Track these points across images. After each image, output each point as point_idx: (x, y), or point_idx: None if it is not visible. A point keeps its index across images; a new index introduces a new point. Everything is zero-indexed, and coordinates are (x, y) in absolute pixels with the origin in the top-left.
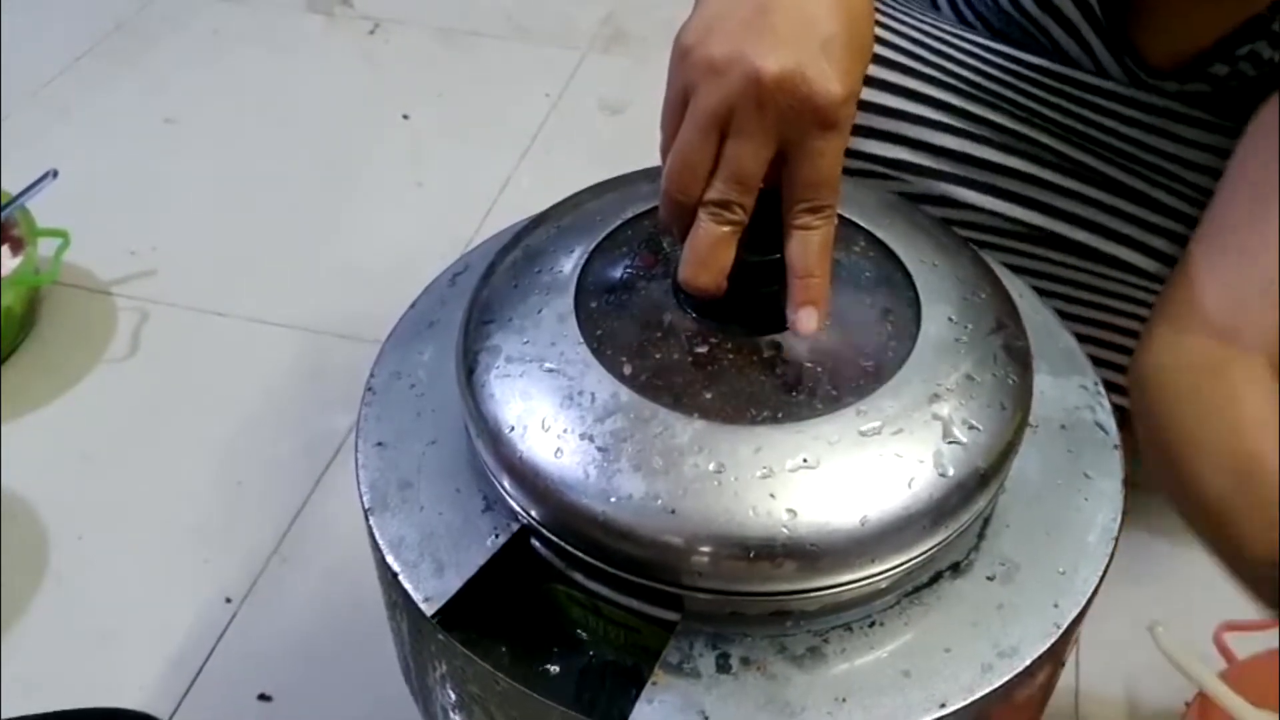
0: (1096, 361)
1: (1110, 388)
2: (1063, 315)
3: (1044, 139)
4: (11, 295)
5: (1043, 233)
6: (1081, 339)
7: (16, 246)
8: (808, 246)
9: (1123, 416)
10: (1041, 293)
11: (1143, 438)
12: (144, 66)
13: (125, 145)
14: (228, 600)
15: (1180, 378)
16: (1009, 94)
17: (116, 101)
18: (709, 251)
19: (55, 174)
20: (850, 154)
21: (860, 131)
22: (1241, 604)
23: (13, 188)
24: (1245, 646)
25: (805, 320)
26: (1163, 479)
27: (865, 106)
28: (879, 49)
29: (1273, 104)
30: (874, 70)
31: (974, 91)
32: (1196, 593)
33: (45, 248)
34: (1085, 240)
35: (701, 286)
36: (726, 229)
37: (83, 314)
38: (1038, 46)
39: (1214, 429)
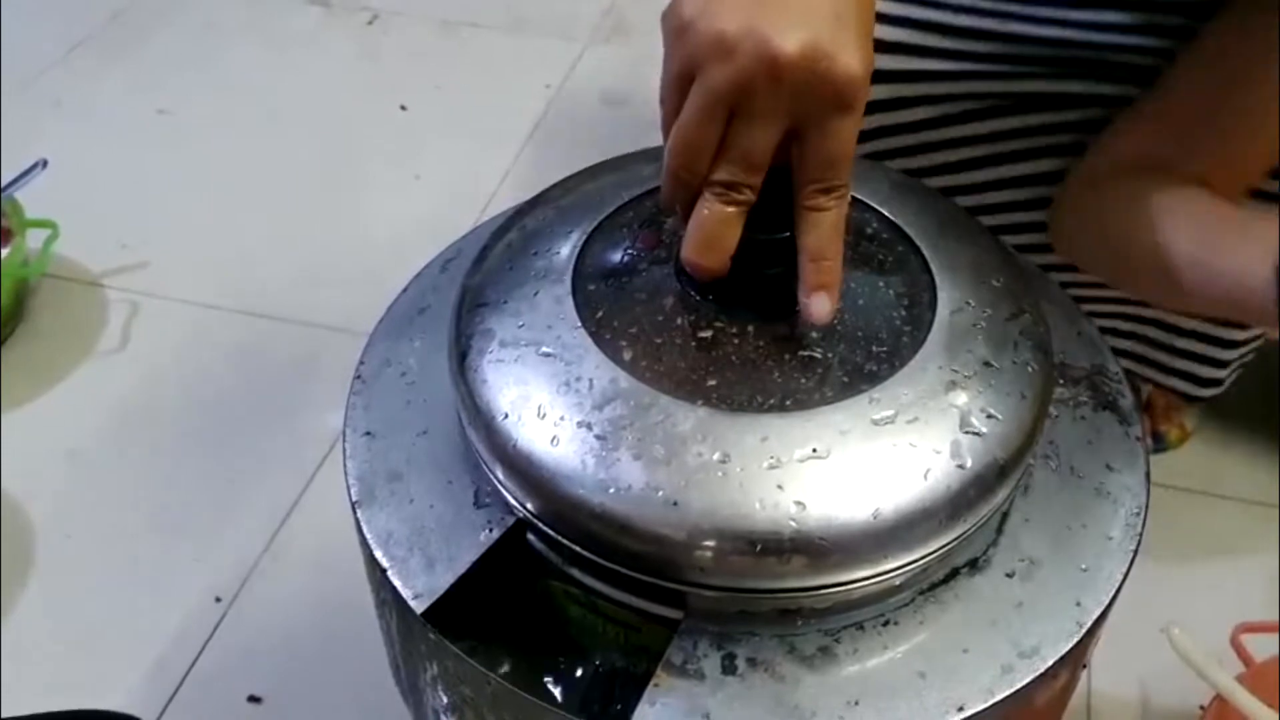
0: None
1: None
2: None
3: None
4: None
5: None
6: None
7: (5, 238)
8: (820, 228)
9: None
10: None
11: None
12: (138, 57)
13: (118, 136)
14: (217, 600)
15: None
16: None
17: (109, 92)
18: (714, 231)
19: (45, 164)
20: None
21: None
22: (1259, 605)
23: (3, 178)
24: (1262, 648)
25: (818, 305)
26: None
27: None
28: None
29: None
30: None
31: None
32: (1213, 594)
33: (34, 239)
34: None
35: (705, 267)
36: (733, 209)
37: (73, 307)
38: None
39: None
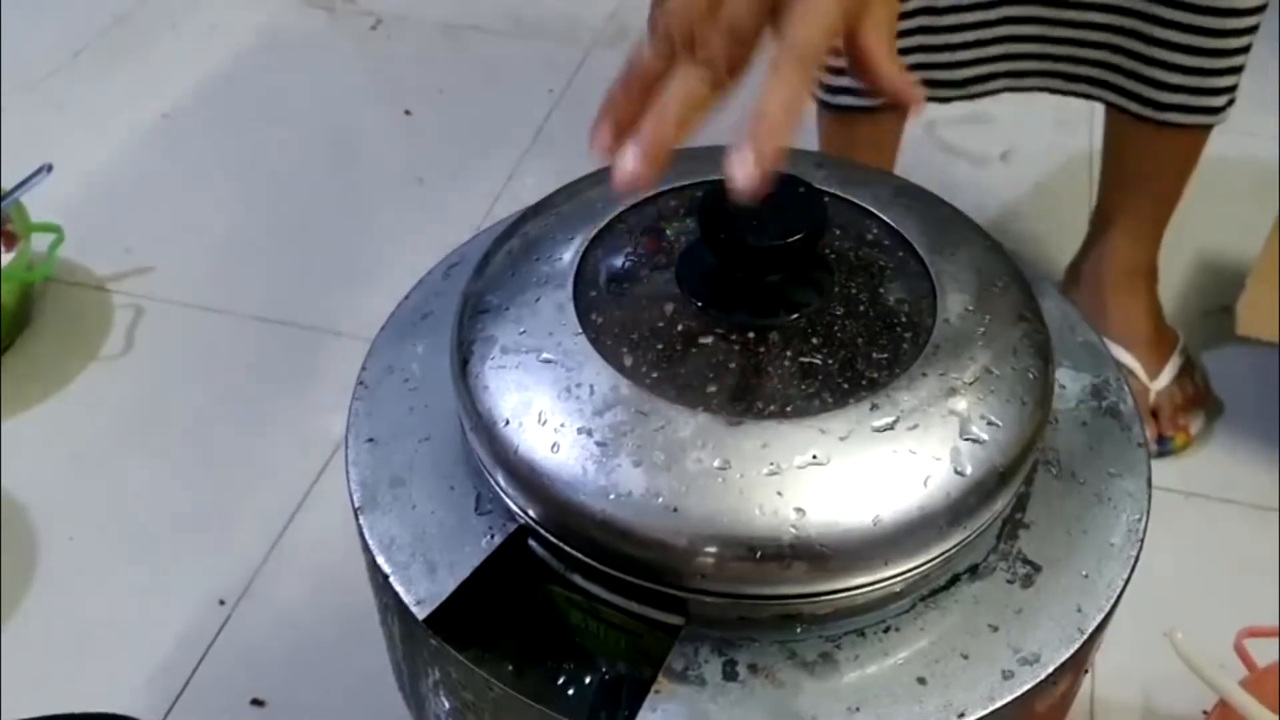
0: None
1: None
2: None
3: None
4: (4, 291)
5: None
6: None
7: (10, 241)
8: (773, 95)
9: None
10: None
11: None
12: (142, 61)
13: (122, 140)
14: (221, 603)
15: None
16: None
17: (114, 96)
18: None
19: (50, 168)
20: None
21: None
22: (1263, 610)
23: (8, 182)
24: (1266, 653)
25: (740, 164)
26: None
27: None
28: None
29: None
30: None
31: None
32: (1217, 598)
33: (39, 243)
34: None
35: (655, 132)
36: (705, 89)
37: (77, 311)
38: None
39: None
